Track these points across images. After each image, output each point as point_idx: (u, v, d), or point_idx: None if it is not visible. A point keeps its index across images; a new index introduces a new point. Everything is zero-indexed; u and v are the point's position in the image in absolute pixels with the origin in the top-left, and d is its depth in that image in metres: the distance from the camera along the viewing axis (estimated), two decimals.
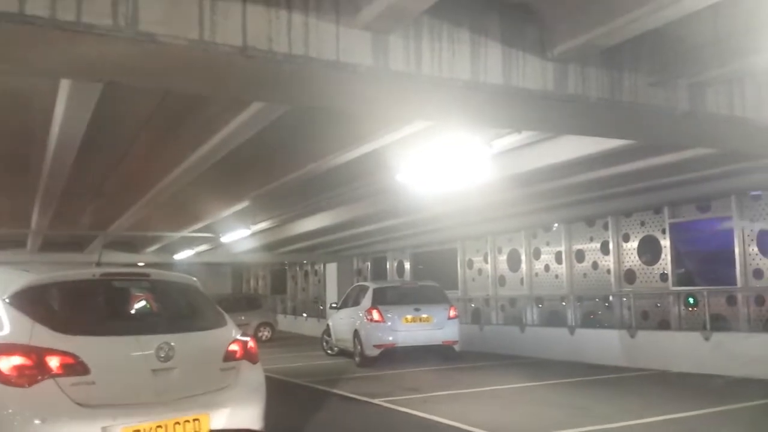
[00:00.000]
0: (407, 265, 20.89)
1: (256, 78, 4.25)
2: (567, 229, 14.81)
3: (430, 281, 14.42)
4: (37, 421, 3.83)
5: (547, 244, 15.47)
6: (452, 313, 13.02)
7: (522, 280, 16.00)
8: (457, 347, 12.80)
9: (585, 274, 14.44)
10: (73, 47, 3.57)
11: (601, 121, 5.55)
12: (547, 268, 15.42)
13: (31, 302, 4.27)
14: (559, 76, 4.74)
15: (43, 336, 4.04)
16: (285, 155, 9.32)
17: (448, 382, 10.13)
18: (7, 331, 4.12)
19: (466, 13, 4.44)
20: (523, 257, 16.03)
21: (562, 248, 14.91)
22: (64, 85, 5.66)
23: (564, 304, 14.45)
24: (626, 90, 4.98)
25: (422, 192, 10.07)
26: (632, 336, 11.62)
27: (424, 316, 12.76)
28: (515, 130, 7.46)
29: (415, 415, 7.48)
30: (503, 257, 16.75)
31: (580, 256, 14.59)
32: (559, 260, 15.04)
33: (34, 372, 3.91)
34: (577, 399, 8.45)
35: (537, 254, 15.75)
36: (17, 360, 3.92)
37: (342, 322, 14.23)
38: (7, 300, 4.25)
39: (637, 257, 13.30)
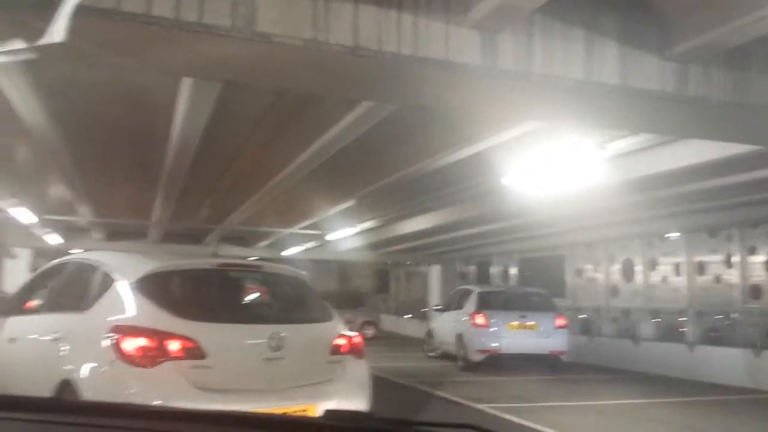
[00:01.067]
0: (513, 271, 20.50)
1: (366, 77, 4.30)
2: (687, 240, 13.98)
3: (537, 288, 14.07)
4: (157, 402, 3.98)
5: (665, 254, 14.68)
6: (560, 322, 12.64)
7: (636, 291, 15.28)
8: (564, 358, 12.40)
9: (706, 288, 13.57)
10: (195, 47, 3.76)
11: (726, 124, 5.21)
12: (664, 279, 14.62)
13: (155, 287, 4.45)
14: (679, 77, 4.49)
15: (165, 320, 4.22)
16: (391, 155, 9.40)
17: (554, 393, 9.83)
18: (132, 314, 4.36)
19: (579, 11, 4.29)
20: (637, 267, 15.29)
21: (681, 259, 14.08)
22: (185, 85, 5.97)
23: (682, 318, 13.64)
24: (755, 92, 4.63)
25: (530, 195, 9.84)
26: (757, 355, 10.80)
27: (531, 323, 12.46)
28: (631, 132, 7.13)
29: (520, 424, 7.31)
30: (616, 266, 16.06)
31: (700, 268, 13.72)
32: (677, 272, 14.22)
33: (156, 354, 4.09)
34: (691, 420, 7.95)
35: (653, 265, 14.96)
36: (141, 341, 4.11)
37: (445, 325, 14.15)
38: (133, 284, 4.49)
39: (764, 271, 12.35)
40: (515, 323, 12.44)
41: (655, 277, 14.85)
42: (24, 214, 14.43)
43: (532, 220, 13.53)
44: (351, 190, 11.73)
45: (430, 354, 14.97)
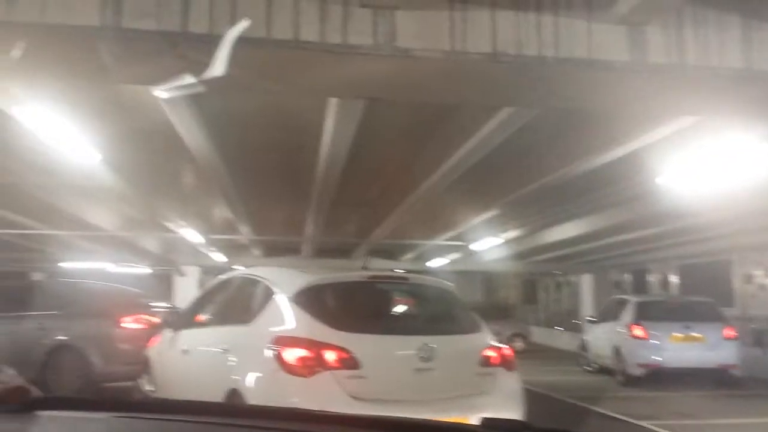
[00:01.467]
0: (672, 279, 19.20)
1: (506, 83, 4.27)
2: None
3: (701, 297, 13.06)
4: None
5: None
6: (729, 332, 11.63)
7: None
8: (737, 372, 11.38)
9: None
10: (339, 67, 3.92)
11: None
12: None
13: (310, 300, 4.63)
14: None
15: (321, 331, 4.38)
16: (535, 161, 9.19)
17: (725, 410, 9.06)
18: (289, 326, 4.59)
19: None
20: None
21: None
22: (332, 104, 6.23)
23: None
24: None
25: (689, 196, 9.19)
26: None
27: (696, 335, 11.57)
28: None
29: None
30: None
31: None
32: None
33: (314, 364, 4.24)
34: None
35: None
36: (300, 352, 4.28)
37: (600, 338, 13.50)
38: (291, 297, 4.71)
39: None
40: (679, 335, 11.60)
41: None
42: (192, 235, 15.70)
43: (693, 222, 12.59)
44: (495, 198, 11.60)
45: (585, 368, 14.35)
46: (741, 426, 7.93)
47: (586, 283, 22.56)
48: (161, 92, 5.44)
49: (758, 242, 14.61)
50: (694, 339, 11.56)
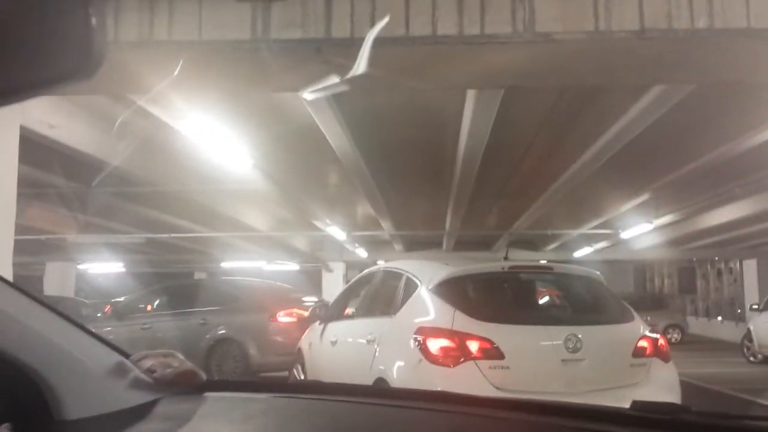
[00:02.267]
0: None
1: (656, 60, 4.04)
2: None
3: None
4: None
5: None
6: None
7: None
8: None
9: None
10: (477, 58, 3.91)
11: None
12: None
13: (452, 291, 4.69)
14: None
15: (463, 322, 4.41)
16: (688, 141, 8.60)
17: None
18: (432, 317, 4.67)
19: None
20: None
21: None
22: (470, 96, 6.21)
23: None
24: None
25: None
26: None
27: None
28: None
29: None
30: None
31: None
32: None
33: (458, 354, 4.30)
34: None
35: None
36: (443, 342, 4.36)
37: (766, 326, 12.48)
38: (432, 289, 4.79)
39: None
40: None
41: None
42: (337, 232, 16.30)
43: None
44: (645, 183, 11.02)
45: (751, 359, 13.31)
46: None
47: (749, 269, 20.83)
48: (307, 95, 5.72)
49: None
50: None
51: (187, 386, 1.38)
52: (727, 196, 12.19)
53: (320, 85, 4.60)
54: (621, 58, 3.96)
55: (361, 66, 3.92)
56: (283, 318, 9.92)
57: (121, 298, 13.84)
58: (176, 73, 4.30)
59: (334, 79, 4.39)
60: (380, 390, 1.90)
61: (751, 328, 13.53)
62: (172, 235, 16.22)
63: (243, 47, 3.96)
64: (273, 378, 9.13)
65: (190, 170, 9.38)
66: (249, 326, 9.88)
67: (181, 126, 6.79)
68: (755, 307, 13.93)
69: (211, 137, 7.08)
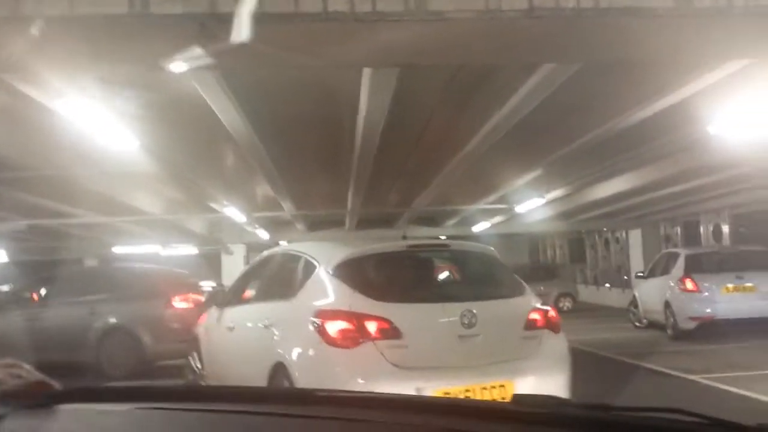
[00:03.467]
0: (725, 229, 18.65)
1: (544, 39, 4.11)
2: None
3: (755, 245, 12.68)
4: (360, 380, 4.19)
5: None
6: None
7: None
8: None
9: None
10: (370, 36, 3.82)
11: None
12: None
13: (350, 273, 4.69)
14: None
15: (362, 303, 4.43)
16: (578, 117, 8.93)
17: None
18: (331, 299, 4.63)
19: None
20: None
21: None
22: (366, 73, 6.13)
23: None
24: None
25: (741, 143, 8.83)
26: None
27: (749, 284, 11.30)
28: None
29: (741, 395, 6.65)
30: None
31: None
32: None
33: (356, 335, 4.31)
34: None
35: None
36: (342, 324, 4.36)
37: (650, 293, 13.32)
38: (330, 271, 4.75)
39: None
40: (731, 286, 11.36)
41: None
42: (235, 214, 15.90)
43: (747, 171, 12.15)
44: (537, 158, 11.38)
45: (636, 324, 14.19)
46: None
47: (634, 238, 22.16)
48: (194, 73, 5.44)
49: None
50: (747, 289, 11.31)
51: (37, 399, 1.24)
52: (613, 170, 12.84)
53: (207, 62, 4.37)
54: (511, 37, 3.99)
55: (249, 43, 3.74)
56: (179, 304, 9.64)
57: (5, 287, 13.00)
58: (47, 49, 3.96)
59: (222, 56, 4.18)
60: (260, 393, 1.80)
61: (636, 294, 14.36)
62: (58, 221, 15.30)
63: (120, 22, 3.68)
64: (166, 370, 8.84)
65: (72, 153, 8.81)
66: (142, 314, 9.52)
67: (58, 106, 6.32)
68: (640, 274, 14.76)
69: (91, 118, 6.65)
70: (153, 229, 19.38)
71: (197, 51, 3.39)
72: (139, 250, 22.13)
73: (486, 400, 3.31)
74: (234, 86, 6.60)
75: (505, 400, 1.15)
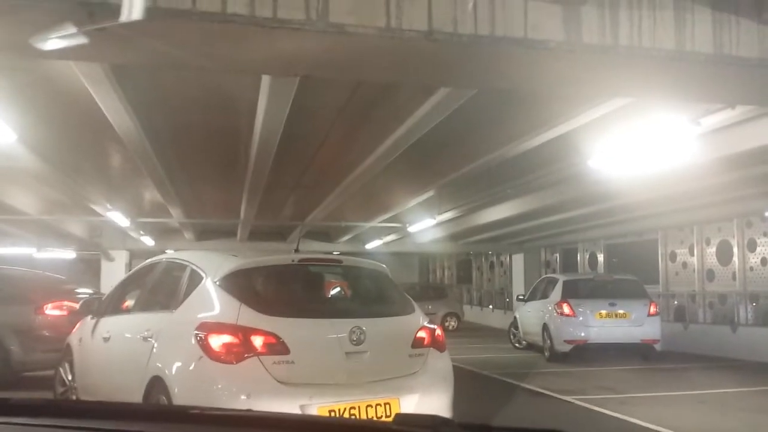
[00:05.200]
0: (600, 258, 19.83)
1: (442, 62, 4.19)
2: None
3: (627, 275, 13.54)
4: (243, 396, 4.04)
5: (765, 234, 13.81)
6: (652, 309, 12.13)
7: (734, 274, 14.45)
8: (658, 347, 11.90)
9: None
10: (270, 43, 3.75)
11: None
12: (764, 261, 13.77)
13: (238, 285, 4.51)
14: None
15: (249, 316, 4.25)
16: (470, 142, 9.22)
17: (647, 384, 9.42)
18: (217, 311, 4.45)
19: None
20: (735, 249, 14.46)
21: None
22: (265, 82, 6.03)
23: None
24: None
25: (618, 178, 9.44)
26: None
27: (621, 311, 12.01)
28: (728, 105, 6.68)
29: (612, 416, 7.03)
30: (712, 249, 15.25)
31: None
32: None
33: (241, 350, 4.14)
34: None
35: (752, 246, 14.12)
36: (226, 338, 4.17)
37: (530, 315, 13.87)
38: (218, 282, 4.57)
39: None
40: (604, 312, 12.03)
41: (754, 259, 14.02)
42: (118, 218, 15.13)
43: (621, 203, 13.00)
44: (431, 180, 11.63)
45: (516, 345, 14.71)
46: (660, 398, 8.25)
47: (517, 262, 23.07)
48: (81, 67, 5.14)
49: (681, 221, 15.25)
50: (619, 315, 11.99)
51: None
52: (500, 196, 13.35)
53: (95, 56, 4.13)
54: (410, 57, 4.04)
55: (140, 38, 3.57)
56: (51, 311, 8.98)
57: None
58: None
59: (112, 51, 3.97)
60: (125, 409, 1.68)
61: (517, 316, 14.89)
62: None
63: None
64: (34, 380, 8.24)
65: None
66: (9, 320, 8.79)
67: None
68: (521, 297, 15.34)
69: None
70: (27, 229, 18.11)
71: (71, 29, 3.17)
72: (10, 252, 20.58)
73: (367, 420, 3.27)
74: (125, 86, 6.31)
75: (388, 419, 1.11)
